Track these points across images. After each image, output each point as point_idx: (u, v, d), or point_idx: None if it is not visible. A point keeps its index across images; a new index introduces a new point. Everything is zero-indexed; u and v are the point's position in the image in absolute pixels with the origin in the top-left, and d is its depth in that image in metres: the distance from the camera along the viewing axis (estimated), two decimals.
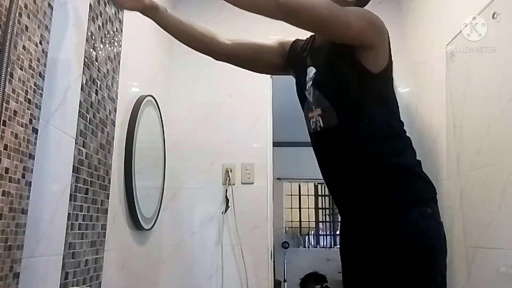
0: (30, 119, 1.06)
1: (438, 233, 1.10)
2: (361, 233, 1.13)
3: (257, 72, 1.45)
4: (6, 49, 0.91)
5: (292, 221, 6.17)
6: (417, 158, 1.18)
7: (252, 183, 2.54)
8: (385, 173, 1.10)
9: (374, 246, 1.08)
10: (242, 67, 1.39)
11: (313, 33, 1.26)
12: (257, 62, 1.37)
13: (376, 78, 1.11)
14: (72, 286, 1.27)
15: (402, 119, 1.19)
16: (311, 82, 1.18)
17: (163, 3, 2.52)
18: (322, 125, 1.15)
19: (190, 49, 1.36)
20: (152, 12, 1.27)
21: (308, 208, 6.15)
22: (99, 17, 1.48)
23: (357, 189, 1.13)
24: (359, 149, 1.12)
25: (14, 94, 0.99)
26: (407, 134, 1.18)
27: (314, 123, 1.17)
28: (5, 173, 0.96)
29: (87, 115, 1.38)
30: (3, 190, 0.95)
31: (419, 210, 1.08)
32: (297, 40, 1.33)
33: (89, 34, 1.40)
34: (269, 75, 2.55)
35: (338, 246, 1.29)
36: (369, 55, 1.08)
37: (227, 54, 1.34)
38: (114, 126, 1.64)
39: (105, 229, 1.54)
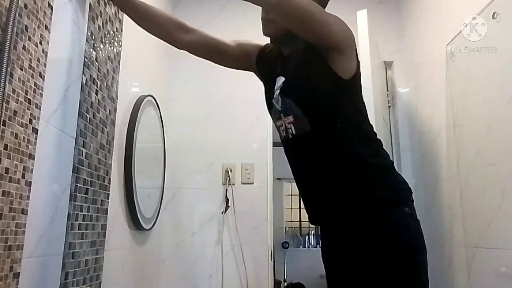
0: (30, 119, 1.06)
1: (418, 231, 1.10)
2: (343, 237, 1.13)
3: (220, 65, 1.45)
4: (6, 49, 0.91)
5: (292, 221, 6.17)
6: (391, 159, 1.22)
7: (252, 183, 2.55)
8: (363, 174, 1.11)
9: (358, 249, 1.08)
10: (203, 58, 1.41)
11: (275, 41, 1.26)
12: (216, 59, 1.40)
13: (346, 85, 1.12)
14: (72, 286, 1.27)
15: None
16: (278, 91, 1.19)
17: (163, 4, 2.53)
18: (294, 132, 1.15)
19: None
20: None
21: None
22: (99, 17, 1.48)
23: (336, 193, 1.13)
24: (334, 154, 1.13)
25: (14, 94, 0.99)
26: (378, 137, 1.21)
27: (284, 131, 1.18)
28: (5, 173, 0.96)
29: (87, 115, 1.38)
30: (3, 190, 0.95)
31: (399, 210, 1.10)
32: (266, 46, 1.33)
33: (89, 34, 1.40)
34: None
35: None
36: (339, 61, 1.10)
37: (188, 47, 1.38)
38: (114, 126, 1.64)
39: (105, 229, 1.54)
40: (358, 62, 1.15)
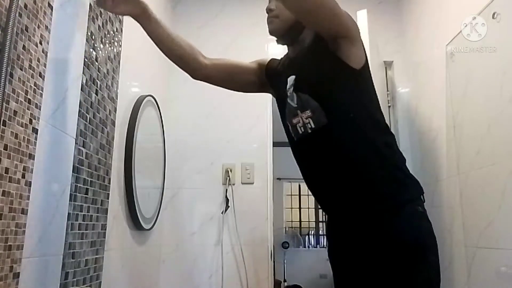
0: (30, 119, 1.06)
1: (430, 231, 1.11)
2: (353, 234, 1.13)
3: (233, 90, 1.49)
4: (6, 49, 0.91)
5: (292, 221, 6.17)
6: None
7: (252, 183, 2.54)
8: (379, 168, 1.12)
9: (368, 247, 1.09)
10: (219, 86, 1.47)
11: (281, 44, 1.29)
12: (234, 83, 1.45)
13: (358, 74, 1.15)
14: (72, 286, 1.27)
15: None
16: (292, 88, 1.21)
17: (163, 4, 2.53)
18: (313, 126, 1.16)
19: None
20: (145, 21, 1.29)
21: (308, 208, 6.16)
22: (99, 17, 1.48)
23: (349, 189, 1.14)
24: (350, 145, 1.13)
25: (14, 94, 0.99)
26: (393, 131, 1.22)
27: (302, 127, 1.18)
28: (5, 173, 0.96)
29: (87, 115, 1.38)
30: (3, 190, 0.95)
31: (411, 209, 1.10)
32: (272, 60, 1.40)
33: (89, 34, 1.40)
34: None
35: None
36: (349, 51, 1.12)
37: (205, 76, 1.41)
38: (114, 126, 1.64)
39: (105, 229, 1.54)
40: (366, 53, 1.18)
